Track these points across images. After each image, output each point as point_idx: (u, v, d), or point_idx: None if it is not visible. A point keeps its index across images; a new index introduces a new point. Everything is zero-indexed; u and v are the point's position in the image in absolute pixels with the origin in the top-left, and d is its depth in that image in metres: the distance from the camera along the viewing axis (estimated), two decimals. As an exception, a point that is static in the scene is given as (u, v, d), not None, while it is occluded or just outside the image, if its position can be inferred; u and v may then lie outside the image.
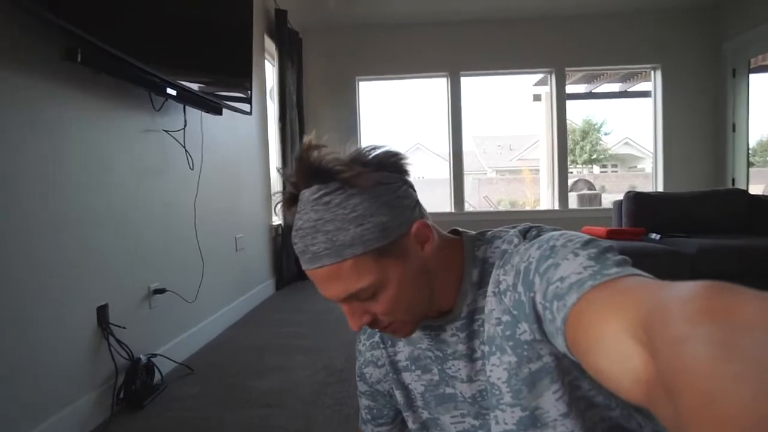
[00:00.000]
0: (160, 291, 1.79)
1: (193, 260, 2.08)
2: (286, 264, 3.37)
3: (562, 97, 4.55)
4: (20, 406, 1.17)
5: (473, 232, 0.57)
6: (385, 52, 4.43)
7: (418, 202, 0.52)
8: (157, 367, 1.66)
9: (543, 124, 5.11)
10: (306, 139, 0.48)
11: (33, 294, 1.22)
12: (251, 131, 2.99)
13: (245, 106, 2.47)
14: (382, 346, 0.65)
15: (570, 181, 5.95)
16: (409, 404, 0.62)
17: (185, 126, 1.98)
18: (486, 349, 0.50)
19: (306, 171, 0.47)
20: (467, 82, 4.59)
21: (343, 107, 4.51)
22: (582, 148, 13.28)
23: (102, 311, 1.47)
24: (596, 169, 13.26)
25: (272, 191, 3.45)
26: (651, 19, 4.24)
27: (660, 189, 4.33)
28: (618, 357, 0.28)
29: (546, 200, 4.85)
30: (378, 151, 0.50)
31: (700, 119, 4.27)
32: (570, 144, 15.02)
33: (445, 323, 0.54)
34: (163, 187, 1.88)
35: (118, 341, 1.52)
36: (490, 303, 0.49)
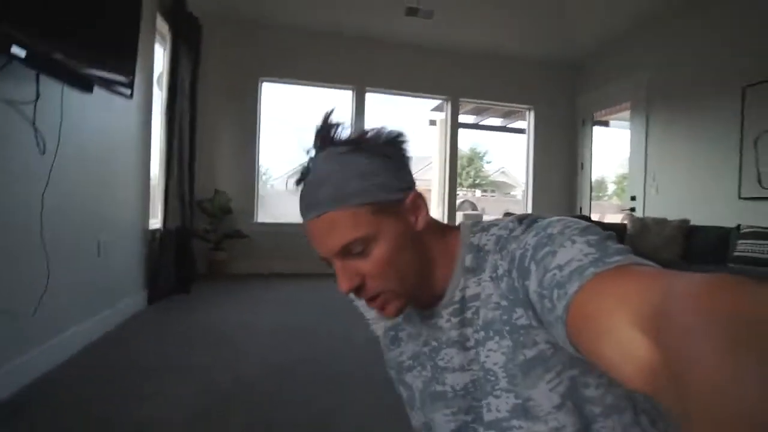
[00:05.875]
0: (-19, 304, 1.38)
1: (34, 265, 1.67)
2: (163, 274, 2.95)
3: (455, 125, 4.99)
4: None
5: (469, 222, 0.58)
6: (292, 55, 4.32)
7: (415, 183, 0.55)
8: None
9: (436, 147, 5.53)
10: (326, 111, 0.53)
11: None
12: (130, 118, 2.59)
13: (125, 89, 2.12)
14: (391, 347, 0.65)
15: (457, 202, 6.49)
16: (412, 404, 0.63)
17: (37, 98, 1.61)
18: (482, 334, 0.50)
19: (325, 135, 0.52)
20: (371, 99, 4.73)
21: (243, 105, 4.23)
22: (467, 173, 14.77)
23: None
24: (478, 192, 14.90)
25: (152, 189, 3.02)
26: (530, 67, 4.97)
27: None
28: (624, 348, 0.28)
29: (436, 218, 5.21)
30: (388, 130, 0.54)
31: (560, 157, 5.11)
32: (458, 168, 16.61)
33: (441, 308, 0.55)
34: (-2, 171, 1.49)
35: None
36: (488, 288, 0.49)
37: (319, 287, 3.67)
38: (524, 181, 5.38)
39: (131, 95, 2.20)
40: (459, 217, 6.10)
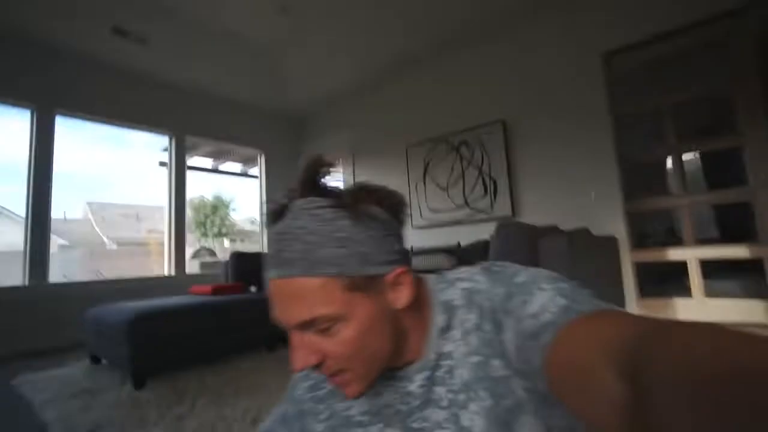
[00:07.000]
0: None
1: None
2: None
3: (181, 164, 4.63)
4: None
5: (433, 275, 0.54)
6: None
7: (406, 253, 0.49)
8: None
9: (167, 191, 4.97)
10: (316, 154, 0.47)
11: None
12: None
13: None
14: (329, 400, 0.56)
15: (193, 250, 5.93)
16: None
17: None
18: (462, 397, 0.46)
19: (309, 181, 0.46)
20: (90, 130, 3.80)
21: None
22: (212, 222, 13.91)
23: None
24: (227, 242, 14.20)
25: None
26: (258, 114, 5.26)
27: (267, 253, 5.11)
28: (603, 394, 0.27)
29: (166, 267, 4.59)
30: (383, 189, 0.49)
31: (292, 199, 5.54)
32: (202, 217, 15.49)
33: (413, 373, 0.50)
34: None
35: None
36: (461, 345, 0.47)
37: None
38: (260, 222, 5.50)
39: None
40: (193, 266, 5.54)
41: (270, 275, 0.45)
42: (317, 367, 0.46)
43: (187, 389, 1.98)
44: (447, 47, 3.93)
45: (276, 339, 2.84)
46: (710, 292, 2.93)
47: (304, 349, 0.45)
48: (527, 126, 3.50)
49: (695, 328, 0.25)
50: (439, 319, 0.50)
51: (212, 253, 7.52)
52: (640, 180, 3.38)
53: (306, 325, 0.44)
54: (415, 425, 0.50)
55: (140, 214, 18.31)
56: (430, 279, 0.54)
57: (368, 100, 4.84)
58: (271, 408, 1.73)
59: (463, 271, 0.52)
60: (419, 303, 0.50)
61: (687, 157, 3.52)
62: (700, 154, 4.05)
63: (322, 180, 0.47)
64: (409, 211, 0.53)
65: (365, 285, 0.44)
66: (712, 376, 0.20)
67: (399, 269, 0.46)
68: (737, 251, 2.89)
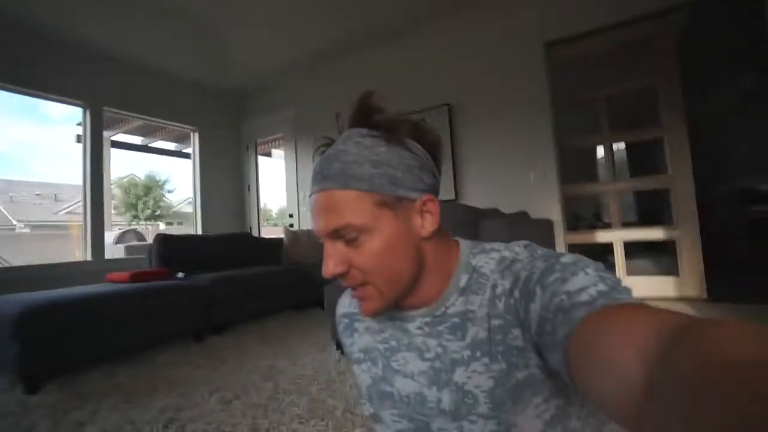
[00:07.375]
0: None
1: None
2: None
3: (98, 138, 4.12)
4: None
5: (470, 241, 0.56)
6: None
7: (437, 187, 0.52)
8: None
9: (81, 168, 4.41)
10: (367, 91, 0.51)
11: None
12: None
13: None
14: (344, 334, 0.64)
15: (119, 233, 5.39)
16: (360, 393, 0.62)
17: None
18: (467, 354, 0.48)
19: (358, 114, 0.51)
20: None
21: None
22: (145, 204, 12.77)
23: None
24: (162, 225, 13.10)
25: None
26: (191, 87, 4.79)
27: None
28: (620, 374, 0.28)
29: (82, 253, 4.10)
30: (423, 127, 0.52)
31: (229, 179, 5.18)
32: (132, 198, 14.18)
33: (417, 315, 0.53)
34: None
35: None
36: (483, 307, 0.48)
37: None
38: (193, 203, 5.09)
39: None
40: (119, 251, 5.04)
41: (312, 190, 0.49)
42: (343, 277, 0.49)
43: (92, 391, 1.74)
44: (393, 29, 3.78)
45: (204, 329, 2.63)
46: (631, 270, 3.16)
47: (334, 257, 0.48)
48: (471, 111, 3.50)
49: (723, 327, 0.24)
50: (462, 278, 0.51)
51: (141, 236, 6.91)
52: (574, 166, 3.53)
53: (336, 234, 0.48)
54: (394, 365, 0.55)
55: (59, 194, 16.41)
56: (466, 242, 0.56)
57: (312, 78, 4.58)
58: (192, 405, 1.57)
59: (502, 244, 0.54)
60: (445, 254, 0.52)
61: (615, 147, 3.72)
62: (625, 144, 4.32)
63: (371, 114, 0.50)
64: (444, 151, 0.54)
65: (394, 204, 0.48)
66: (717, 378, 0.20)
67: (427, 197, 0.50)
68: (654, 233, 3.13)
